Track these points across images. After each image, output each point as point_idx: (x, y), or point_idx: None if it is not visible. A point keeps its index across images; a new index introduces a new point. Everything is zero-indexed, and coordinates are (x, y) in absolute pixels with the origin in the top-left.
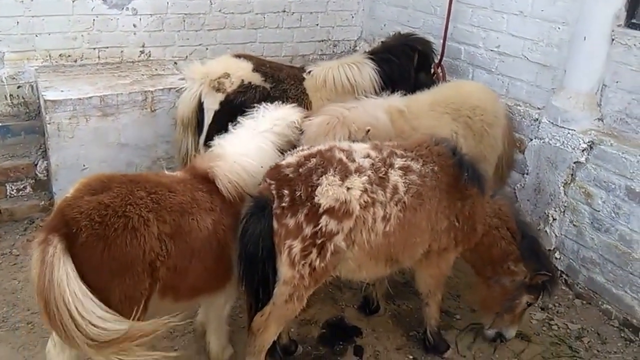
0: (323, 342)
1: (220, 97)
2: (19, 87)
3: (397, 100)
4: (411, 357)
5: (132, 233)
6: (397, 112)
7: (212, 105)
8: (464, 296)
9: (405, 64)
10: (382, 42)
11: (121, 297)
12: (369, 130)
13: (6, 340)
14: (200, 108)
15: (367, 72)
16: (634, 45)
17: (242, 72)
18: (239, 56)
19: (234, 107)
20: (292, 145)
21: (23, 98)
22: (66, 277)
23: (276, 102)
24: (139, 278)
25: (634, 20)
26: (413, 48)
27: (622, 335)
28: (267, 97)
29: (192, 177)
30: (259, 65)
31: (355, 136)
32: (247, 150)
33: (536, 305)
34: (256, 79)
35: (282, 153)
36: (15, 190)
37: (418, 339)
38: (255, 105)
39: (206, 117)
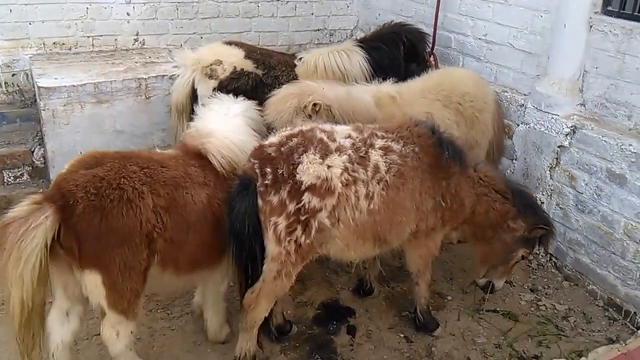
0: (318, 322)
1: (214, 83)
2: (13, 75)
3: (389, 86)
4: (402, 335)
5: (127, 204)
6: (388, 97)
7: (205, 91)
8: (457, 279)
9: (395, 52)
10: (374, 30)
11: (121, 267)
12: (316, 104)
13: (6, 323)
14: (193, 94)
15: (356, 60)
16: (610, 31)
17: (234, 59)
18: (230, 43)
19: (227, 93)
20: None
21: (18, 86)
22: (34, 249)
23: (268, 88)
24: (137, 249)
25: (609, 8)
26: (400, 38)
27: (607, 314)
28: (260, 83)
29: (183, 153)
30: (251, 52)
31: (306, 107)
32: (232, 127)
33: (525, 287)
34: (248, 65)
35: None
36: (12, 178)
37: (410, 319)
38: (248, 91)
39: (199, 104)
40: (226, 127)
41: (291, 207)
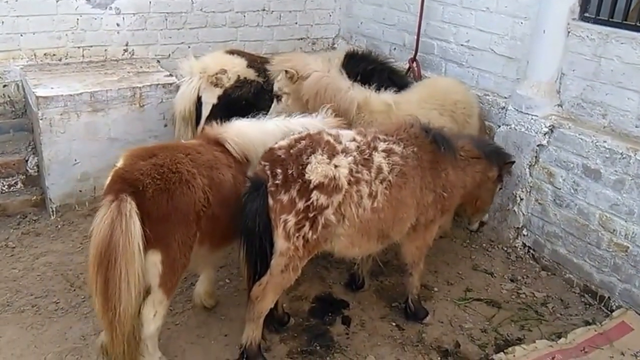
0: (313, 314)
1: (219, 91)
2: (4, 86)
3: (386, 95)
4: (394, 324)
5: (186, 185)
6: (383, 104)
7: (210, 99)
8: (441, 272)
9: (380, 68)
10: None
11: (179, 243)
12: (287, 72)
13: (14, 322)
14: (198, 102)
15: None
16: (587, 36)
17: (238, 68)
18: (232, 52)
19: (231, 100)
20: None
21: (9, 97)
22: (138, 232)
23: (269, 95)
24: (190, 226)
25: (586, 14)
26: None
27: (583, 300)
28: (261, 91)
29: (206, 142)
30: (252, 61)
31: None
32: (254, 126)
33: (505, 277)
34: (250, 74)
35: None
36: (6, 186)
37: (400, 309)
38: (250, 98)
39: (204, 111)
40: (246, 124)
41: (300, 204)
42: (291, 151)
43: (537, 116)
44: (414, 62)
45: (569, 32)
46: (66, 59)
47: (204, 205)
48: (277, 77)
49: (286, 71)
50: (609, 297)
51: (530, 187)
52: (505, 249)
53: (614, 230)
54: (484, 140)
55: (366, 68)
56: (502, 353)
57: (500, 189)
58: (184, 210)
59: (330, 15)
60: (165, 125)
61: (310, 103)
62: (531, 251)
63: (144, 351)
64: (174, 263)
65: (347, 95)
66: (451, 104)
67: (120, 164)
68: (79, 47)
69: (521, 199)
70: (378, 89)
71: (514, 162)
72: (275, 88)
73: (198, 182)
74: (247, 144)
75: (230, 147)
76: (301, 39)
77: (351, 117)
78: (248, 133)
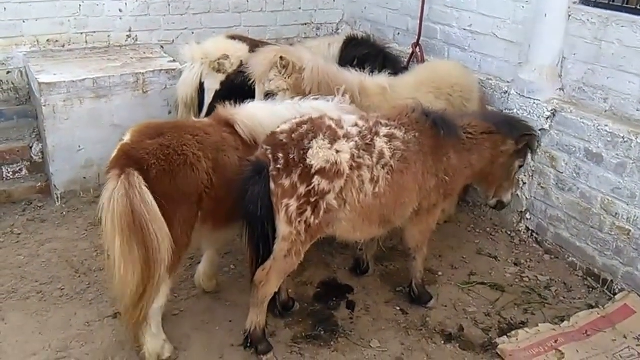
0: (318, 299)
1: (221, 77)
2: (8, 72)
3: (381, 77)
4: (398, 308)
5: (190, 168)
6: (378, 87)
7: (213, 85)
8: (445, 256)
9: (372, 52)
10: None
11: (180, 222)
12: (282, 58)
13: (19, 309)
14: (200, 88)
15: (335, 48)
16: (588, 20)
17: (240, 53)
18: (233, 37)
19: (234, 86)
20: None
21: (12, 83)
22: (152, 202)
23: None
24: (192, 206)
25: None
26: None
27: (586, 283)
28: None
29: (217, 122)
30: (254, 46)
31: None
32: (265, 109)
33: (509, 261)
34: None
35: None
36: (11, 173)
37: (404, 294)
38: (252, 84)
39: (206, 97)
40: (259, 106)
41: (302, 189)
42: (293, 135)
43: (539, 100)
44: (417, 47)
45: (569, 15)
46: (69, 45)
47: (206, 187)
48: (268, 77)
49: (281, 57)
50: (611, 281)
51: (533, 171)
52: (509, 233)
53: (616, 213)
54: (494, 113)
55: (362, 53)
56: (505, 337)
57: (521, 166)
58: (186, 192)
59: (334, 0)
60: (170, 112)
61: (314, 92)
62: (534, 235)
63: (146, 331)
64: (175, 241)
65: (348, 80)
66: (448, 88)
67: (127, 138)
68: (81, 33)
69: (524, 183)
70: (372, 72)
71: (533, 134)
72: (272, 87)
73: (202, 165)
74: (256, 127)
75: (240, 128)
76: (305, 24)
77: (356, 100)
78: (258, 115)
